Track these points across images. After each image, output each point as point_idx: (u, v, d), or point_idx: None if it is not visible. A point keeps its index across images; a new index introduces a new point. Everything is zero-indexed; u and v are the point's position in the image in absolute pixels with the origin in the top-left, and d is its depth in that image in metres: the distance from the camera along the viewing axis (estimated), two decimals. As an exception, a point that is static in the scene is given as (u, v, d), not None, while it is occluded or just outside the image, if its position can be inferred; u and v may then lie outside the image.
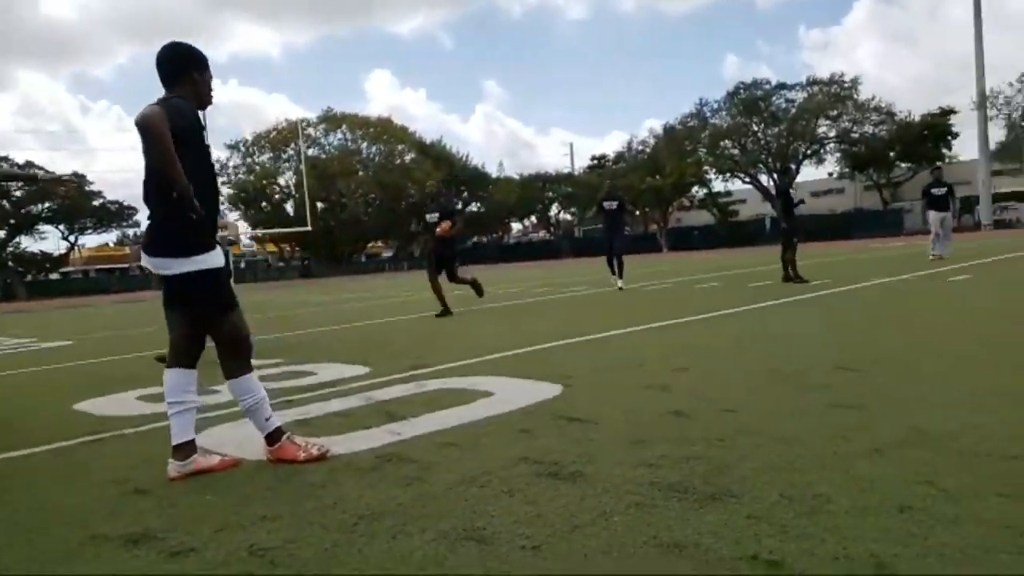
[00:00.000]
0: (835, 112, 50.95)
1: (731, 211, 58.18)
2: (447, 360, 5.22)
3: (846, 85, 50.46)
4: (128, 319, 14.72)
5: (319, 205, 54.92)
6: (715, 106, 53.89)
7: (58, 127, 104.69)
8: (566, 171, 64.40)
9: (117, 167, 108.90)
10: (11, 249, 58.18)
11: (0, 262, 57.31)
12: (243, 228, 53.55)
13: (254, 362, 2.96)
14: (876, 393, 3.33)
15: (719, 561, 1.73)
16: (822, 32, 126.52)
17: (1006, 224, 40.89)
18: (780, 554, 1.74)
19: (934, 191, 14.10)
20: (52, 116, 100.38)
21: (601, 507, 2.12)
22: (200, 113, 2.82)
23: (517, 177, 64.62)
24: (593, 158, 65.46)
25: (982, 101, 41.25)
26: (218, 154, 50.45)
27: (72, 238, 60.61)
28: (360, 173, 57.92)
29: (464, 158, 64.65)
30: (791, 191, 11.38)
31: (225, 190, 52.94)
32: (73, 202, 53.51)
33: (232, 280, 2.98)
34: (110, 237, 68.19)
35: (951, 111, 49.32)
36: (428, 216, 9.46)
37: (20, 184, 50.35)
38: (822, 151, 52.91)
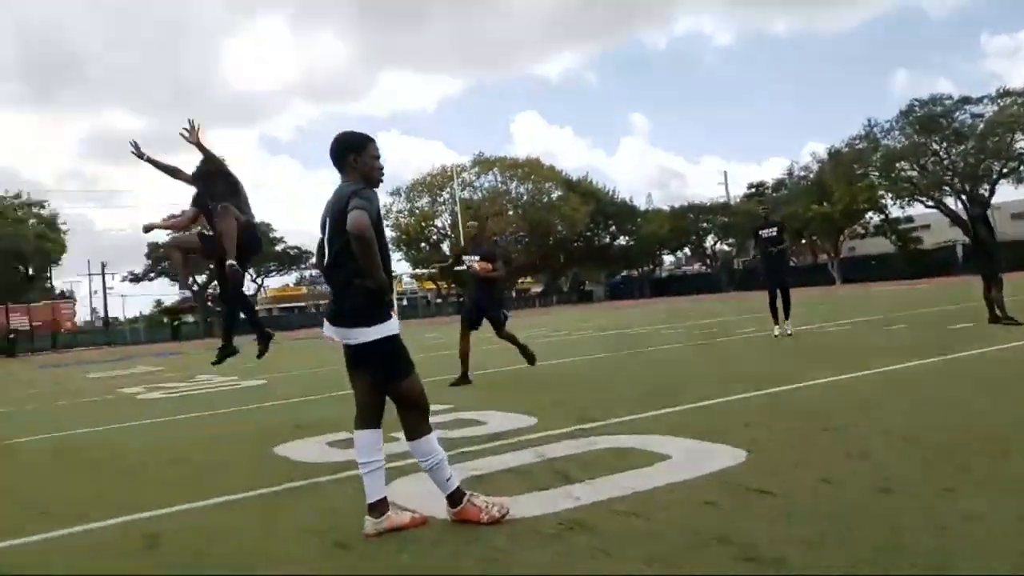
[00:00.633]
0: (1035, 125, 45.65)
1: (913, 238, 53.45)
2: (615, 414, 5.14)
3: (1048, 94, 45.17)
4: (312, 358, 15.91)
5: (471, 246, 56.99)
6: (886, 126, 50.12)
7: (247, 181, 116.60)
8: (721, 200, 62.38)
9: (295, 216, 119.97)
10: (210, 291, 65.29)
11: (203, 303, 64.36)
12: (404, 268, 56.70)
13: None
14: None
15: None
16: (1010, 38, 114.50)
17: None
18: None
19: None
20: (240, 169, 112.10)
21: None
22: None
23: (667, 209, 63.53)
24: (751, 186, 62.98)
25: None
26: (384, 200, 54.01)
27: (259, 279, 67.32)
28: (510, 212, 59.65)
29: (611, 192, 64.67)
30: (987, 216, 10.23)
31: (389, 232, 56.39)
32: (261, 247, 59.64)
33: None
34: (290, 279, 75.09)
35: None
36: (467, 259, 8.12)
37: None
38: (1022, 168, 47.48)
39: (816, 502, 2.83)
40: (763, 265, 10.47)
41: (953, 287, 20.17)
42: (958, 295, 15.41)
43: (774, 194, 55.85)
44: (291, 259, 64.51)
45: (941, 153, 48.57)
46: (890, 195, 50.69)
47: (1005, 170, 47.56)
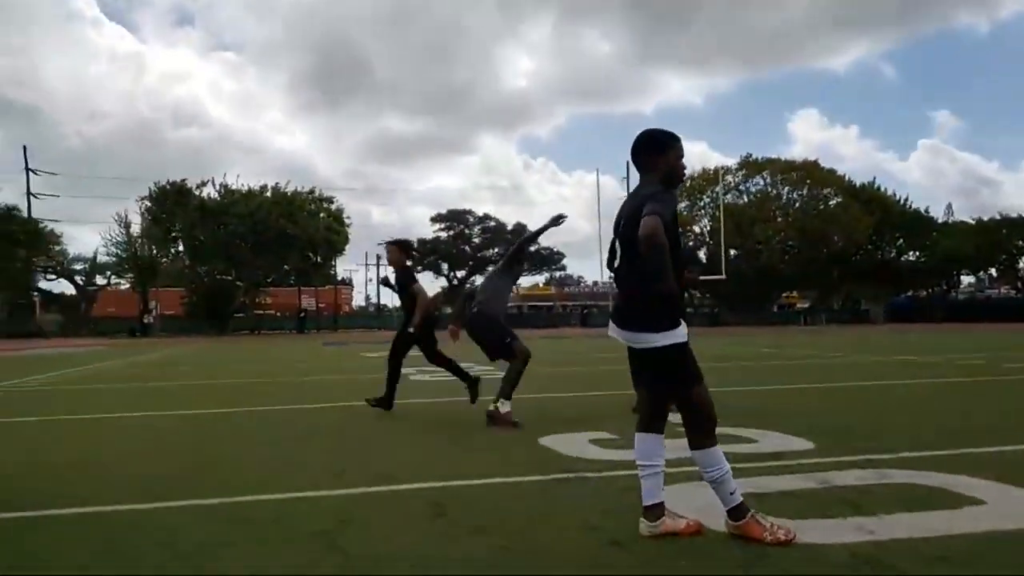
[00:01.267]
0: None
1: None
2: (909, 446, 4.61)
3: None
4: (560, 356, 16.49)
5: (731, 252, 54.52)
6: None
7: (506, 183, 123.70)
8: (1042, 213, 52.81)
9: (549, 217, 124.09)
10: (468, 285, 70.86)
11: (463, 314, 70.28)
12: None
13: None
14: None
15: None
16: None
17: None
18: None
19: None
20: (503, 174, 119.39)
21: None
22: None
23: (972, 222, 55.22)
24: (1082, 198, 52.64)
25: None
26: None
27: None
28: (779, 219, 55.93)
29: (902, 200, 57.81)
30: None
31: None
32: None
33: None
34: (540, 278, 78.88)
35: None
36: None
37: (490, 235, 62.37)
38: None
39: None
40: None
41: None
42: None
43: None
44: (543, 259, 67.47)
45: None
46: None
47: None
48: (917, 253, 56.95)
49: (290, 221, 47.18)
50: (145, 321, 46.46)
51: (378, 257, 68.02)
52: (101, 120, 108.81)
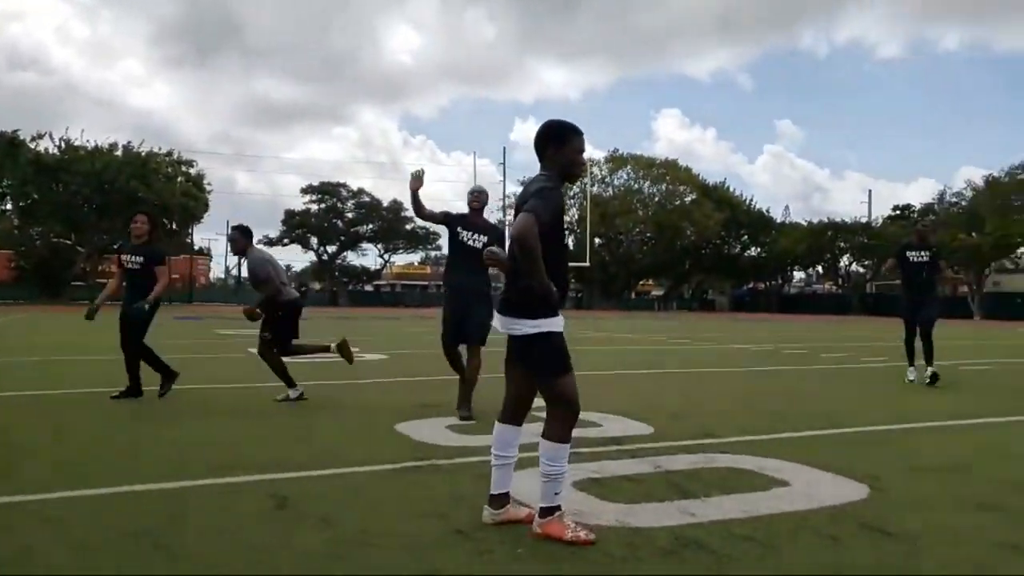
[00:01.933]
0: None
1: (1072, 277, 48.44)
2: (736, 432, 5.06)
3: None
4: (429, 338, 16.45)
5: (596, 241, 56.71)
6: (1053, 157, 45.49)
7: (385, 159, 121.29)
8: (862, 220, 58.77)
9: (427, 195, 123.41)
10: (339, 261, 69.11)
11: (331, 273, 68.36)
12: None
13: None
14: None
15: None
16: None
17: None
18: None
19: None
20: (381, 149, 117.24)
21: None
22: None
23: (805, 224, 60.54)
24: (895, 208, 59.06)
25: None
26: (512, 189, 54.68)
27: (386, 256, 70.32)
28: (639, 212, 58.75)
29: (748, 201, 62.45)
30: None
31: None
32: (391, 225, 62.34)
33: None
34: (415, 257, 78.21)
35: None
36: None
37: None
38: None
39: (943, 552, 2.70)
40: (905, 294, 8.46)
41: None
42: None
43: (920, 219, 52.00)
44: (418, 239, 66.83)
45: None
46: (1051, 232, 46.16)
47: None
48: (759, 249, 61.89)
49: (142, 184, 43.70)
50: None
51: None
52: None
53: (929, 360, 8.06)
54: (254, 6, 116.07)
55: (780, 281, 66.33)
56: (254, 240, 6.80)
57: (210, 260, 77.83)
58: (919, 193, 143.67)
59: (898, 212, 58.04)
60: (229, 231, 6.88)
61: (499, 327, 2.99)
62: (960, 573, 2.53)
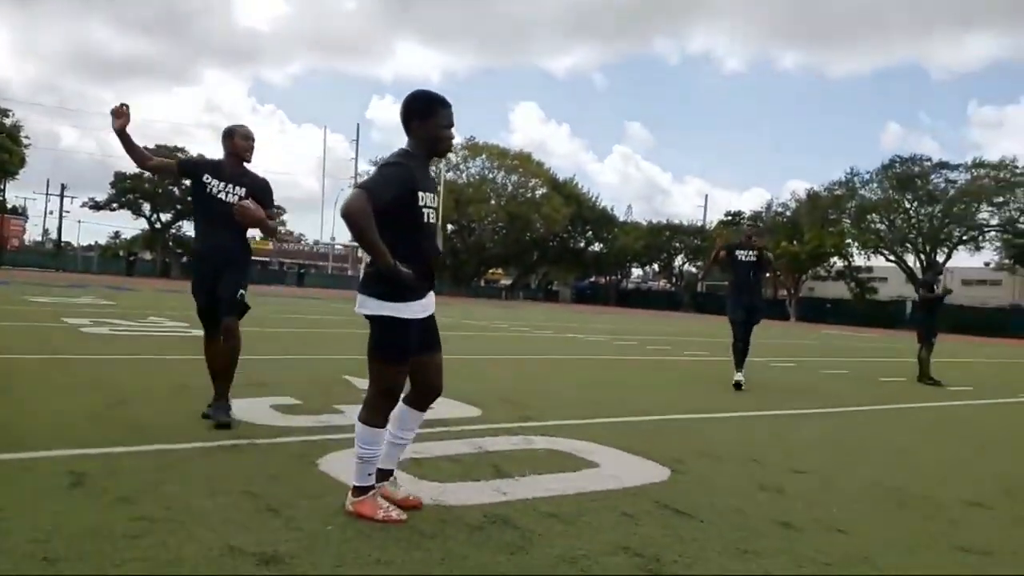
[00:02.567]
0: (1001, 199, 47.28)
1: (870, 287, 55.06)
2: (557, 416, 5.32)
3: (1018, 171, 46.75)
4: (267, 317, 15.79)
5: (449, 227, 56.92)
6: (866, 176, 51.47)
7: (229, 124, 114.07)
8: (698, 223, 63.33)
9: (274, 168, 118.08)
10: (173, 231, 64.32)
11: (163, 242, 63.48)
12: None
13: None
14: (1007, 539, 3.11)
15: None
16: (996, 110, 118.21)
17: None
18: None
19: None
20: (227, 114, 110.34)
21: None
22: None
23: (644, 224, 64.25)
24: (728, 213, 64.00)
25: None
26: (364, 168, 53.46)
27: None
28: (492, 202, 59.63)
29: (594, 199, 65.20)
30: (935, 285, 10.76)
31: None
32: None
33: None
34: (256, 232, 74.41)
35: None
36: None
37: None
38: (980, 238, 49.14)
39: (723, 528, 3.03)
40: (732, 293, 8.26)
41: (899, 340, 20.83)
42: (900, 349, 15.96)
43: (749, 225, 56.84)
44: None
45: (911, 211, 50.06)
46: (856, 244, 52.13)
47: (965, 237, 49.24)
48: (601, 245, 64.93)
49: (-58, 131, 38.45)
50: None
51: (63, 187, 58.58)
52: None
53: (739, 365, 7.91)
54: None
55: (619, 276, 70.02)
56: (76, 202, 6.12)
57: (25, 221, 69.75)
58: (751, 201, 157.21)
59: (730, 217, 62.90)
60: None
61: (356, 306, 2.92)
62: (736, 545, 2.83)
